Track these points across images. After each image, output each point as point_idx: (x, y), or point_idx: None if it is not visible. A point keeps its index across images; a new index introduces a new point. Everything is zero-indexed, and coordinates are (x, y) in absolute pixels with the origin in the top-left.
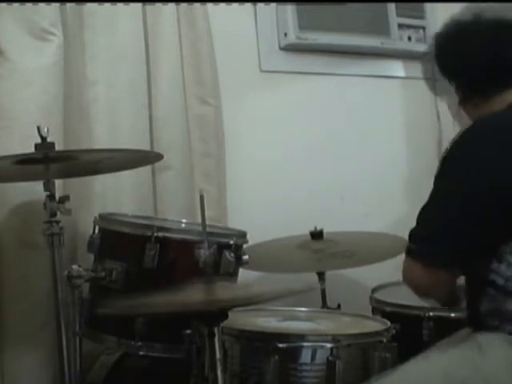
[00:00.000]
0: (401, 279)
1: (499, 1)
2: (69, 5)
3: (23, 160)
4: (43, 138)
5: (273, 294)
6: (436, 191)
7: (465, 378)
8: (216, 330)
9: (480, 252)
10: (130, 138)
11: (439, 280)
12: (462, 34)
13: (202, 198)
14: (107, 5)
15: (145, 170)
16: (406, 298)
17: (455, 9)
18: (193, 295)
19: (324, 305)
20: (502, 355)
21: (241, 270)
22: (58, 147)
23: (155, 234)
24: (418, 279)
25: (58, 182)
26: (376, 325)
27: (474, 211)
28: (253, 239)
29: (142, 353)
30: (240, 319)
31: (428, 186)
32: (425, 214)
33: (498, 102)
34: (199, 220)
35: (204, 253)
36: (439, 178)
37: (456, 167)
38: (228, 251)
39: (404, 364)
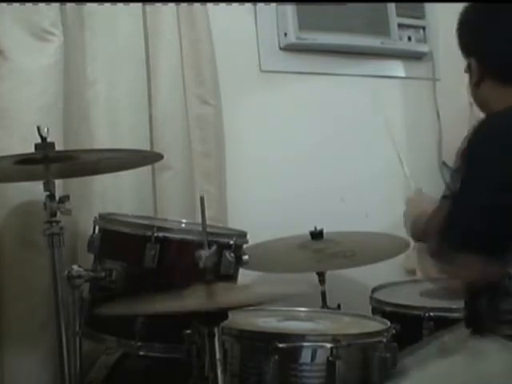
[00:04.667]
0: (401, 279)
1: (502, 1)
2: (69, 5)
3: (23, 160)
4: (43, 138)
5: (272, 296)
6: (463, 187)
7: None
8: (216, 330)
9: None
10: (130, 138)
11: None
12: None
13: (202, 199)
14: (107, 5)
15: (145, 170)
16: (406, 297)
17: (455, 9)
18: (193, 296)
19: (324, 305)
20: (500, 360)
21: (241, 270)
22: (58, 147)
23: (155, 234)
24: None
25: (58, 182)
26: (376, 325)
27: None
28: (253, 239)
29: (141, 353)
30: (240, 319)
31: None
32: (462, 212)
33: None
34: (199, 220)
35: (204, 253)
36: (465, 176)
37: (478, 163)
38: (228, 251)
39: (403, 364)
